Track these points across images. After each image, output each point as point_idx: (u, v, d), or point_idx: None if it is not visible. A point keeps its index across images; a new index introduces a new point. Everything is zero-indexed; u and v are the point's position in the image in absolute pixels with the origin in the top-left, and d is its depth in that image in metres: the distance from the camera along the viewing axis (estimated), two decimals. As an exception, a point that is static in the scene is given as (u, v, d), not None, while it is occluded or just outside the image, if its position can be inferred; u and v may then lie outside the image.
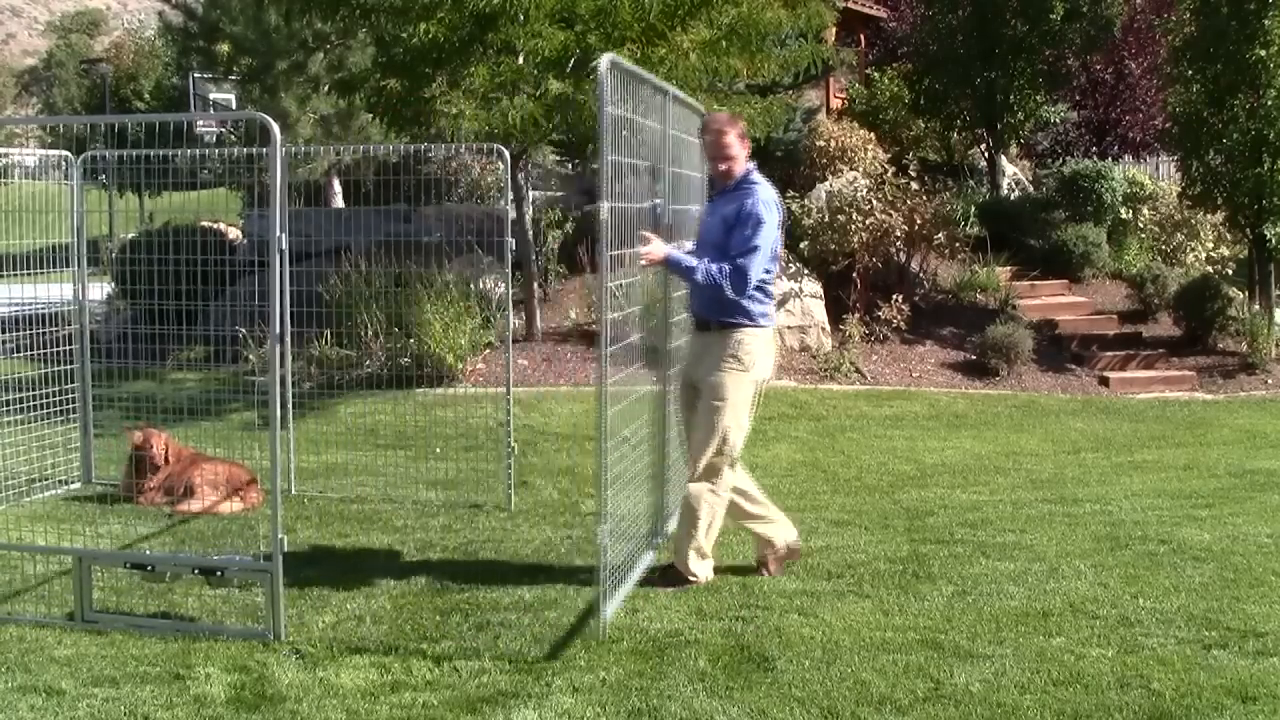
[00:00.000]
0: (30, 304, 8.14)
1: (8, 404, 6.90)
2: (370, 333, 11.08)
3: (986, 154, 18.69)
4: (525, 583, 5.36)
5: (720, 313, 5.15)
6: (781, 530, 5.50)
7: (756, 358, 5.19)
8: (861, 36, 20.97)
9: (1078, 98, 20.40)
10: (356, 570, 5.57)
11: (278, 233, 4.74)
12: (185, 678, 4.20)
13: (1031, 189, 19.33)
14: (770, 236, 5.09)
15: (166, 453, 6.99)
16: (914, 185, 13.81)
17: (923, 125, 18.60)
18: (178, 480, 6.85)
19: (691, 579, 5.26)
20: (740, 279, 5.02)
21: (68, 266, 7.30)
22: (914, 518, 6.69)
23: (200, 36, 18.46)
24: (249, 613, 4.89)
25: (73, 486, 7.27)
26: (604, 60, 4.49)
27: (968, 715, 3.90)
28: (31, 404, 7.07)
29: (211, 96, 23.11)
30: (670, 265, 5.13)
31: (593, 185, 18.18)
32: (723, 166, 5.26)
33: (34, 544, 5.63)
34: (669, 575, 5.32)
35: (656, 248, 5.05)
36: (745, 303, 5.11)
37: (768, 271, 5.16)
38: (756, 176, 5.26)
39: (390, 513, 6.79)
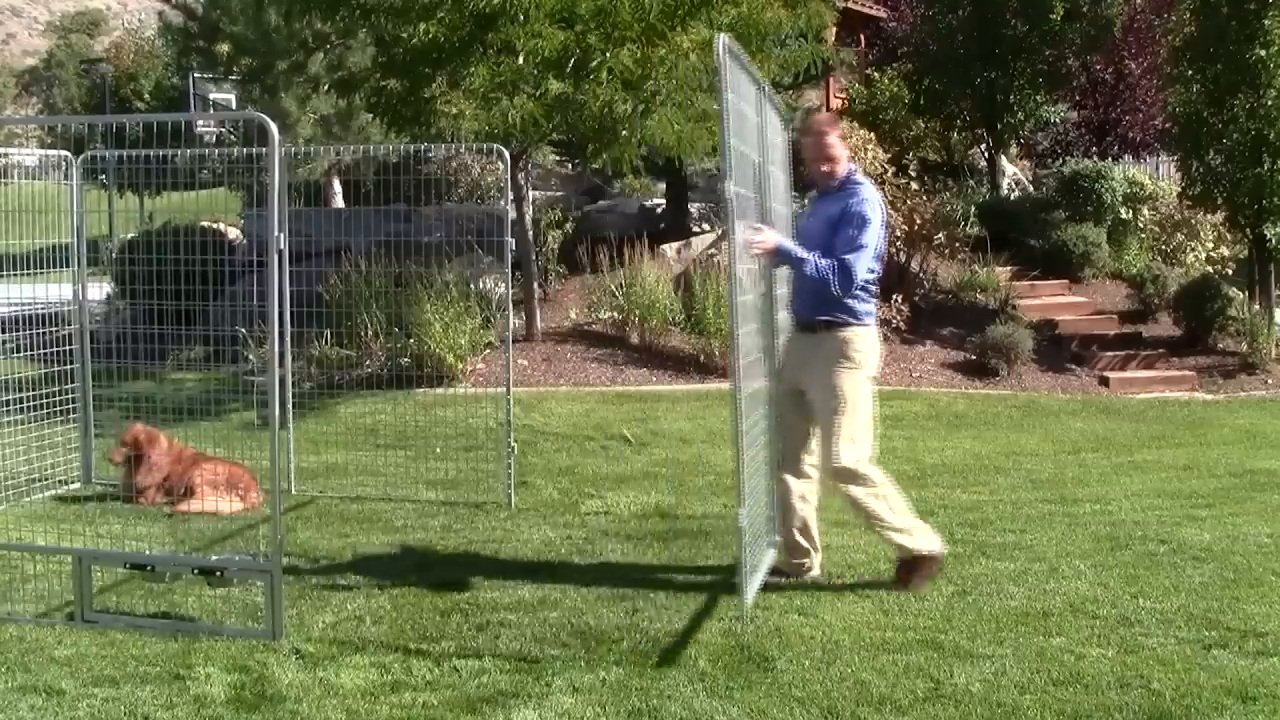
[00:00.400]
0: (30, 304, 8.14)
1: (8, 404, 6.90)
2: (370, 333, 11.08)
3: (986, 154, 18.70)
4: (525, 583, 5.36)
5: (825, 313, 5.14)
6: (818, 557, 5.47)
7: (866, 355, 5.18)
8: (861, 36, 20.98)
9: (1078, 98, 20.40)
10: (356, 570, 5.57)
11: (277, 233, 4.74)
12: (185, 678, 4.19)
13: (1031, 189, 19.34)
14: (875, 235, 5.09)
15: (146, 446, 6.94)
16: (914, 185, 13.81)
17: (923, 125, 18.59)
18: (177, 480, 6.85)
19: (928, 555, 5.20)
20: (847, 276, 5.00)
21: (67, 266, 7.30)
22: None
23: (200, 36, 18.46)
24: (249, 613, 4.89)
25: (73, 486, 7.27)
26: (721, 40, 4.48)
27: (968, 715, 3.90)
28: (31, 404, 7.07)
29: (211, 96, 23.13)
30: (781, 254, 5.09)
31: (593, 185, 18.25)
32: (825, 168, 5.25)
33: (34, 544, 5.63)
34: (904, 572, 5.23)
35: (769, 236, 5.02)
36: (850, 301, 5.10)
37: (872, 271, 5.15)
38: (859, 177, 5.26)
39: (390, 513, 6.79)
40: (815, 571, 5.45)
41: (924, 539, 5.25)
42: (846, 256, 5.01)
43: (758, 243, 4.95)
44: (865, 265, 5.07)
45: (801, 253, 5.07)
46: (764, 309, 5.38)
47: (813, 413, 5.22)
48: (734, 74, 4.73)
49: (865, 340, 5.20)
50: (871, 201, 5.14)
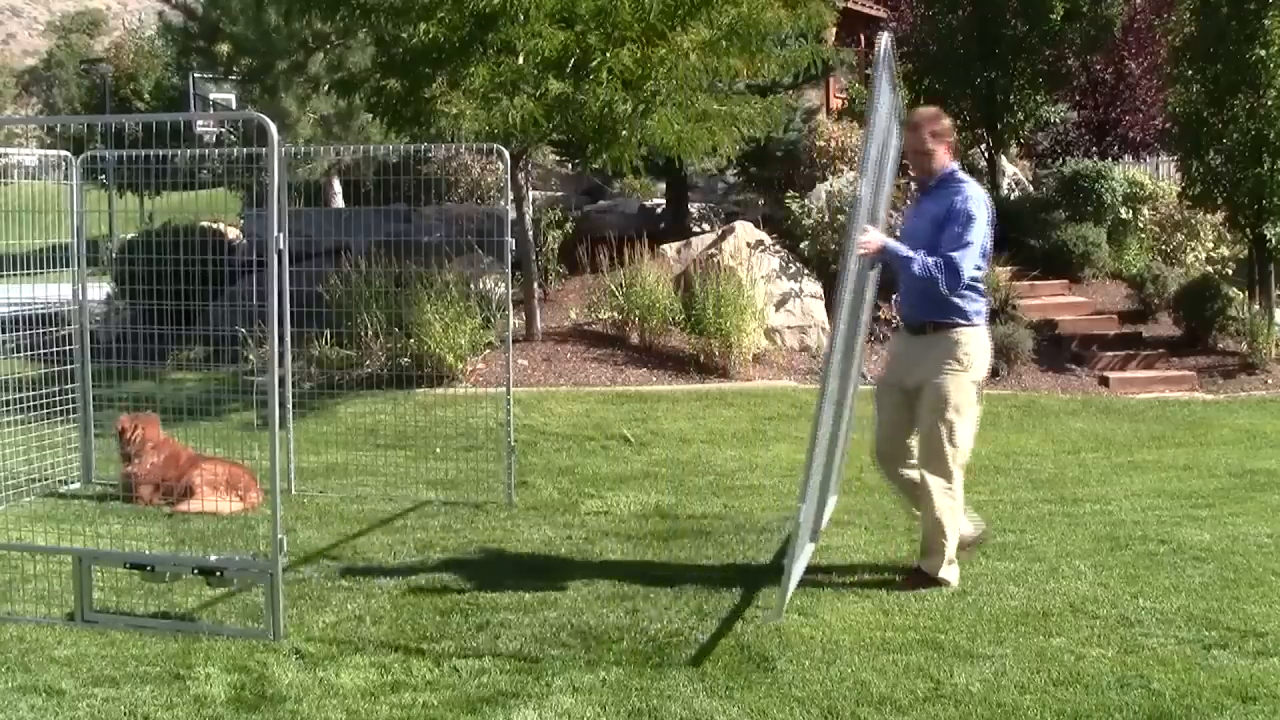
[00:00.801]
0: (30, 304, 8.14)
1: (8, 404, 6.90)
2: (370, 333, 11.08)
3: (986, 154, 18.68)
4: (525, 583, 5.36)
5: (934, 313, 5.12)
6: (972, 526, 5.49)
7: (975, 357, 5.16)
8: (861, 36, 20.98)
9: (1078, 98, 20.39)
10: (356, 570, 5.57)
11: (277, 232, 4.74)
12: (185, 678, 4.20)
13: (1031, 189, 19.33)
14: (981, 232, 5.05)
15: (142, 436, 6.95)
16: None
17: (923, 125, 18.57)
18: (176, 481, 6.85)
19: (942, 582, 5.19)
20: (953, 274, 4.97)
21: (67, 266, 7.30)
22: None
23: (200, 36, 18.47)
24: (249, 613, 4.89)
25: (73, 486, 7.27)
26: (884, 37, 4.51)
27: (968, 715, 3.90)
28: (31, 404, 7.07)
29: (211, 96, 23.12)
30: (887, 254, 5.06)
31: (593, 185, 18.24)
32: (923, 162, 5.22)
33: (34, 544, 5.63)
34: (917, 578, 5.24)
35: (874, 237, 4.99)
36: (959, 302, 5.08)
37: (979, 269, 5.11)
38: (962, 175, 5.22)
39: (390, 513, 6.79)
40: (984, 527, 5.56)
41: (951, 570, 5.24)
42: (953, 254, 4.96)
43: (863, 243, 4.89)
44: (972, 262, 5.03)
45: (907, 251, 5.03)
46: (854, 310, 5.36)
47: (917, 413, 5.19)
48: (882, 75, 4.75)
49: (975, 341, 5.17)
50: (976, 198, 5.09)
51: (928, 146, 5.20)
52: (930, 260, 4.97)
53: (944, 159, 5.23)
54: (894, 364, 5.45)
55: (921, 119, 5.29)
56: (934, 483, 5.12)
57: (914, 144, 5.26)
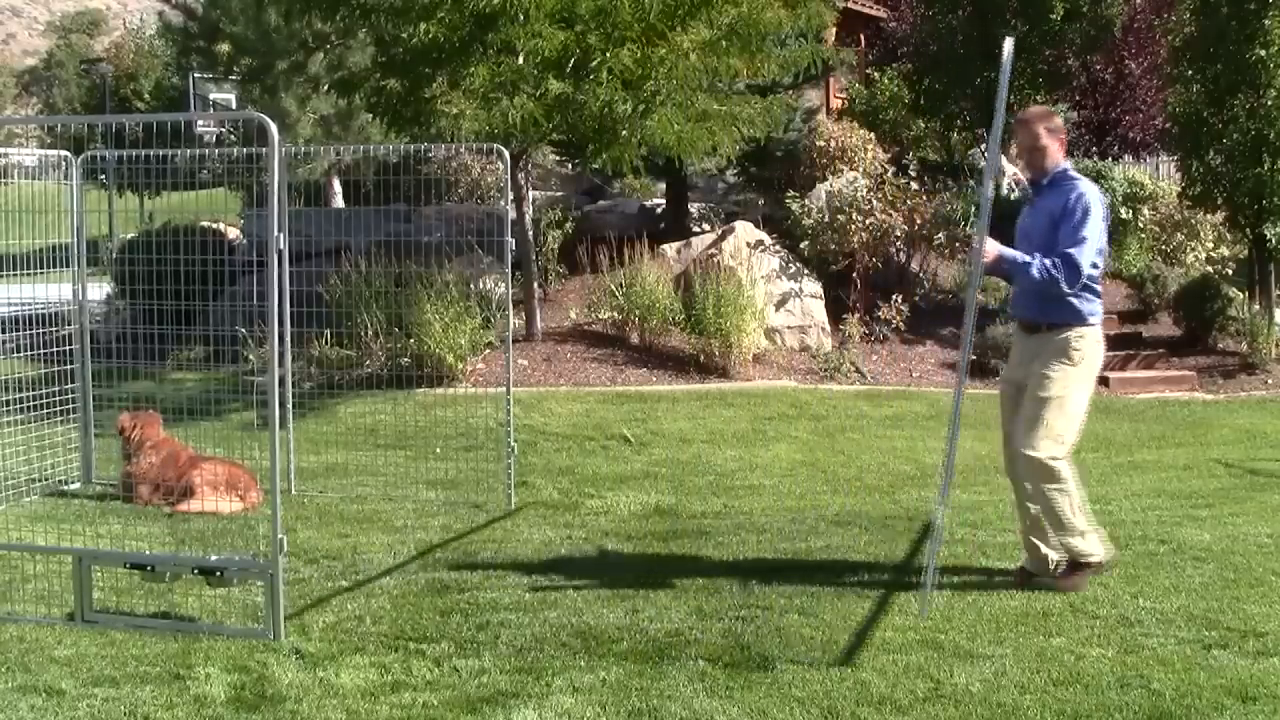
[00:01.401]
0: (30, 304, 8.14)
1: (8, 404, 6.90)
2: (370, 333, 11.08)
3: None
4: (525, 583, 5.36)
5: (1051, 313, 5.08)
6: (1055, 553, 5.37)
7: (1088, 355, 5.12)
8: (861, 36, 20.98)
9: (1078, 98, 20.39)
10: (356, 570, 5.57)
11: (277, 232, 4.74)
12: (185, 678, 4.20)
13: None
14: (1098, 229, 5.02)
15: (141, 435, 6.95)
16: (914, 185, 13.80)
17: (923, 125, 18.58)
18: (176, 480, 6.85)
19: (1093, 562, 5.15)
20: (1073, 270, 4.94)
21: (68, 266, 7.30)
22: (914, 518, 6.69)
23: (200, 36, 18.48)
24: (249, 613, 4.89)
25: (73, 486, 7.27)
26: (1008, 44, 4.53)
27: (968, 715, 3.90)
28: (31, 404, 7.07)
29: (211, 96, 23.14)
30: (1006, 263, 5.03)
31: (593, 185, 18.24)
32: (1036, 159, 5.18)
33: (34, 544, 5.63)
34: (1070, 570, 5.18)
35: (990, 246, 4.97)
36: (1075, 301, 5.04)
37: (1095, 266, 5.06)
38: (1075, 173, 5.18)
39: (390, 513, 6.79)
40: (1057, 558, 5.39)
41: (1095, 544, 5.18)
42: (1070, 250, 4.93)
43: (983, 252, 4.89)
44: (1090, 259, 4.99)
45: (1024, 257, 4.99)
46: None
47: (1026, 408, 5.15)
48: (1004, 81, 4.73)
49: (1090, 340, 5.12)
50: (1092, 195, 5.05)
51: (1041, 143, 5.16)
52: (1048, 261, 4.94)
53: (1057, 157, 5.19)
54: (1012, 365, 5.39)
55: (1034, 116, 5.24)
56: (1045, 486, 5.06)
57: (1027, 141, 5.20)
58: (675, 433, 9.42)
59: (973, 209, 15.49)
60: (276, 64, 16.46)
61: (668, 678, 4.20)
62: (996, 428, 10.22)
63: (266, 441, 4.75)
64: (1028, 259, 4.99)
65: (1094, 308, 5.14)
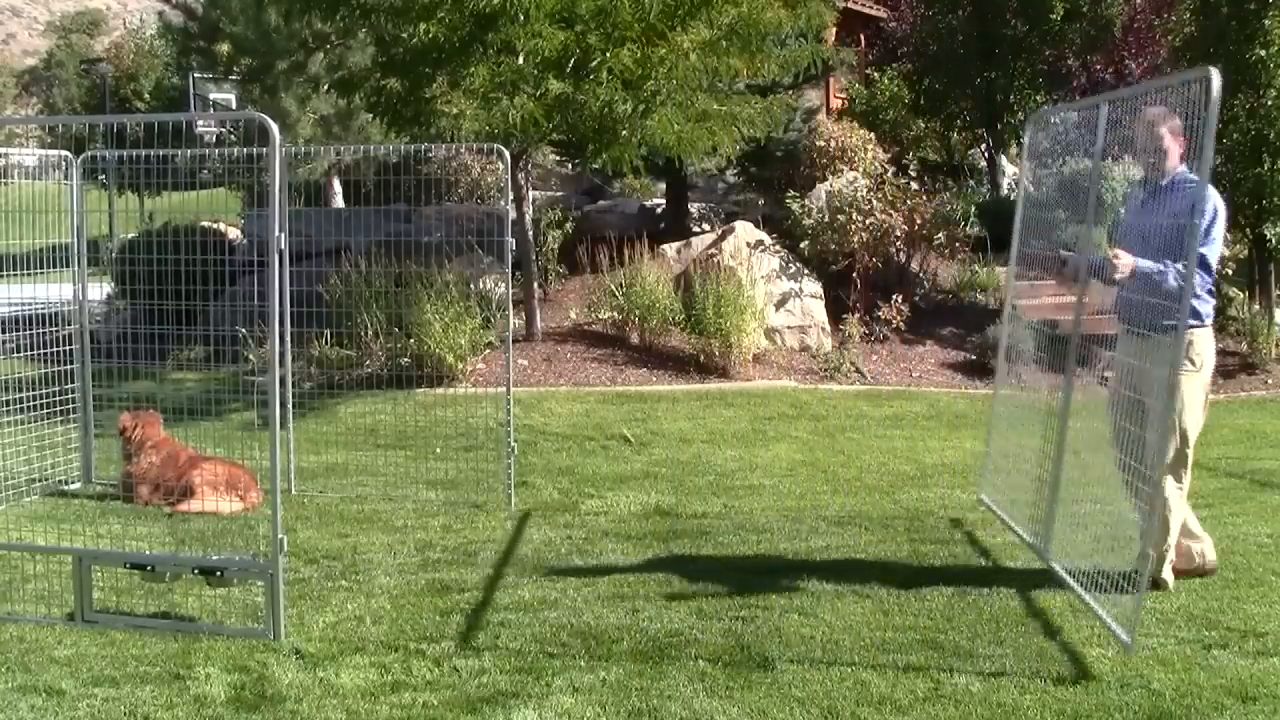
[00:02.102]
0: (30, 304, 8.14)
1: (8, 404, 6.90)
2: (370, 333, 11.09)
3: (986, 154, 18.71)
4: (525, 583, 5.36)
5: (1167, 315, 4.95)
6: (1206, 545, 5.39)
7: (1205, 357, 5.11)
8: (861, 36, 20.98)
9: (1078, 98, 20.40)
10: (356, 570, 5.57)
11: (277, 233, 4.74)
12: (185, 678, 4.20)
13: (1032, 189, 19.33)
14: (1221, 230, 4.99)
15: (141, 435, 6.95)
16: (914, 185, 13.81)
17: (923, 125, 18.61)
18: (176, 481, 6.85)
19: (1161, 584, 5.10)
20: (1205, 272, 4.92)
21: (67, 266, 7.30)
22: (914, 518, 6.69)
23: (200, 36, 18.49)
24: (249, 613, 4.89)
25: (73, 486, 7.27)
26: (1215, 76, 4.24)
27: (968, 715, 3.90)
28: (31, 404, 7.07)
29: (211, 96, 23.13)
30: (1141, 274, 4.95)
31: (593, 185, 18.23)
32: (1155, 161, 5.12)
33: (34, 544, 5.63)
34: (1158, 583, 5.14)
35: (1127, 260, 4.91)
36: (1194, 302, 4.97)
37: (1210, 270, 5.05)
38: (1193, 176, 5.08)
39: (390, 513, 6.79)
40: (1211, 555, 5.40)
41: (1169, 571, 5.13)
42: (1203, 252, 4.86)
43: (1121, 265, 4.86)
44: (1215, 259, 4.98)
45: (1158, 267, 4.90)
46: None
47: (1147, 414, 5.10)
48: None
49: (1205, 342, 5.11)
50: (1215, 197, 4.98)
51: (1165, 144, 5.10)
52: (1179, 266, 4.87)
53: (1177, 158, 5.14)
54: (1124, 367, 5.34)
55: (1157, 117, 5.17)
56: (1169, 489, 5.04)
57: (1150, 143, 5.14)
58: (675, 433, 9.41)
59: (972, 208, 15.51)
60: (276, 64, 16.46)
61: (668, 678, 4.20)
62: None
63: (266, 441, 4.75)
64: (1161, 268, 4.89)
65: (1209, 308, 5.12)
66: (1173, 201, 5.08)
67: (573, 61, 10.22)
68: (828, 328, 12.87)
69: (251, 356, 10.58)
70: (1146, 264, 4.98)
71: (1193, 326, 5.03)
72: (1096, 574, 4.82)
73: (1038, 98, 17.70)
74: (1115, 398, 5.35)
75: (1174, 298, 4.84)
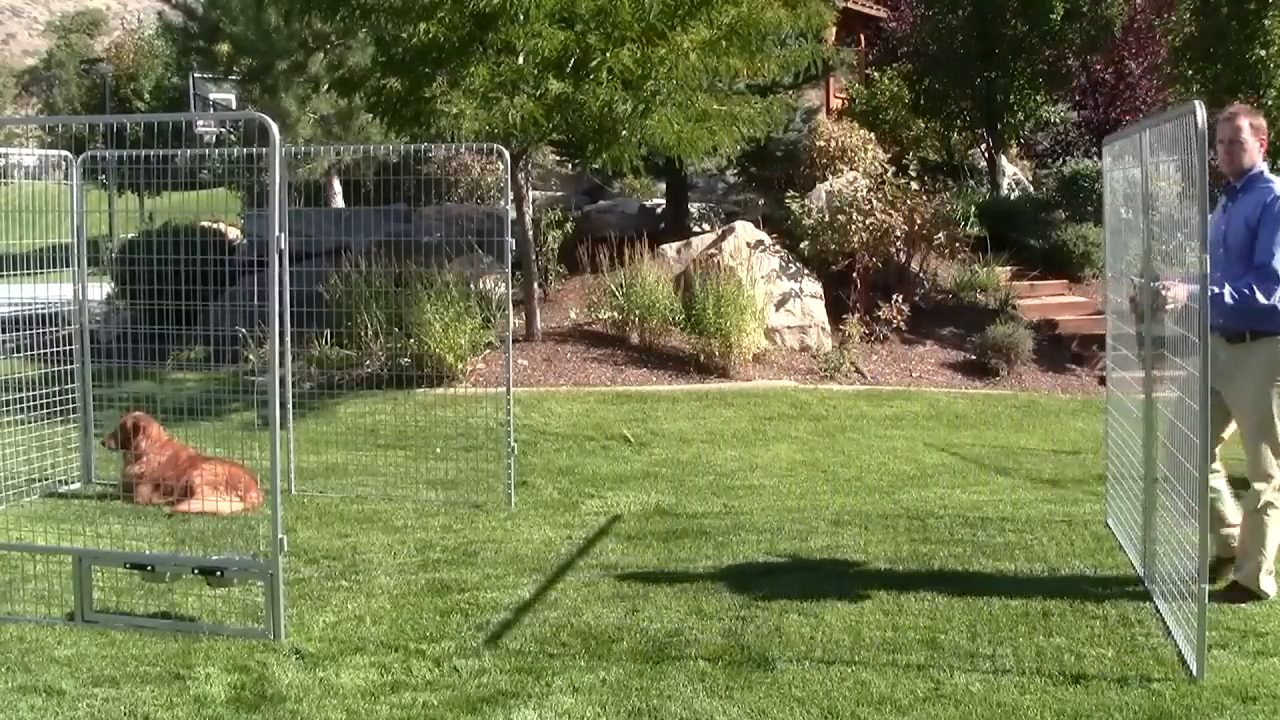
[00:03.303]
0: (30, 304, 8.14)
1: (8, 404, 6.90)
2: (370, 333, 11.09)
3: (986, 154, 18.70)
4: (525, 583, 5.37)
5: (1253, 322, 4.92)
6: (1231, 529, 5.28)
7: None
8: (861, 36, 20.98)
9: (1078, 98, 20.42)
10: (356, 570, 5.57)
11: (277, 233, 4.74)
12: (185, 678, 4.20)
13: (1031, 189, 19.34)
14: None
15: (140, 436, 6.95)
16: (914, 185, 13.81)
17: (923, 125, 18.60)
18: (176, 480, 6.85)
19: (1261, 594, 5.02)
20: (1268, 281, 4.79)
21: (68, 266, 7.30)
22: (914, 518, 6.69)
23: (200, 36, 18.47)
24: (249, 613, 4.89)
25: (73, 486, 7.27)
26: (1199, 109, 4.20)
27: (968, 715, 3.90)
28: (31, 404, 7.07)
29: (211, 96, 23.11)
30: (1216, 301, 4.76)
31: (593, 185, 18.23)
32: (1236, 154, 5.00)
33: (34, 544, 5.63)
34: (1234, 591, 5.06)
35: (1179, 291, 4.82)
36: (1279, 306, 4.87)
37: None
38: (1270, 175, 5.01)
39: (390, 513, 6.79)
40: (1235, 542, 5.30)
41: (1270, 580, 5.05)
42: (1266, 261, 4.79)
43: (1172, 298, 4.80)
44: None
45: (1213, 289, 4.67)
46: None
47: (1231, 421, 5.05)
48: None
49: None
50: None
51: (1243, 137, 4.97)
52: (1239, 284, 4.81)
53: (1255, 156, 5.02)
54: (1214, 375, 5.29)
55: (1239, 110, 5.08)
56: (1256, 488, 4.98)
57: (1230, 134, 5.01)
58: (675, 433, 9.42)
59: (972, 208, 15.51)
60: (276, 64, 16.45)
61: (668, 678, 4.20)
62: (995, 426, 10.17)
63: (266, 441, 4.75)
64: (1218, 291, 4.76)
65: None
66: (1245, 204, 4.99)
67: (573, 61, 10.23)
68: (828, 328, 12.87)
69: (251, 356, 10.58)
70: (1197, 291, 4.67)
71: (1277, 332, 4.92)
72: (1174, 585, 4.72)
73: (1038, 98, 17.68)
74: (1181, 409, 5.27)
75: (1259, 308, 4.75)
